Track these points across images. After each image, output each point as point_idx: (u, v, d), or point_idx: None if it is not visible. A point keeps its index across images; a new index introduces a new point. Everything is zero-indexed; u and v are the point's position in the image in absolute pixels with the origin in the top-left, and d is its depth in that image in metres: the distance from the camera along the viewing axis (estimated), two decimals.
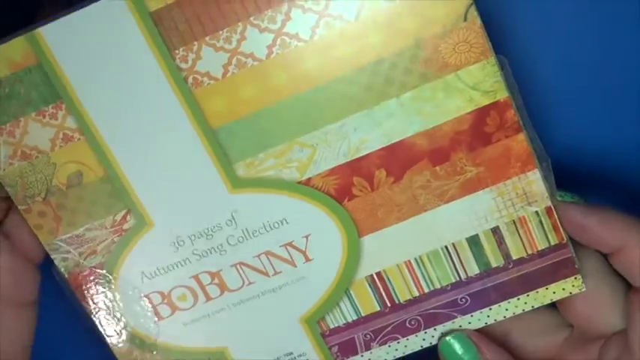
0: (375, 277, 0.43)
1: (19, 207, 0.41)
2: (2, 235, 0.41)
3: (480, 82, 0.39)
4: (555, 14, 0.45)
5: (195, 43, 0.38)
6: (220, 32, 0.38)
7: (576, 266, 0.42)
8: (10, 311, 0.41)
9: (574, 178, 0.47)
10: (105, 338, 0.44)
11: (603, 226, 0.40)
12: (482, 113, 0.39)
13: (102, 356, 0.45)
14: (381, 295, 0.43)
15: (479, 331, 0.44)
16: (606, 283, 0.42)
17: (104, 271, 0.42)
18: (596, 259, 0.42)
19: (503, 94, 0.39)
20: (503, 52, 0.39)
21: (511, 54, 0.40)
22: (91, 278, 0.42)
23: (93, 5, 0.37)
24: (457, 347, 0.43)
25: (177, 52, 0.38)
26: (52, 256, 0.42)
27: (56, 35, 0.38)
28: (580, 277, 0.42)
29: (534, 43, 0.45)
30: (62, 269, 0.42)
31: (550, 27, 0.45)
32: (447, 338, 0.43)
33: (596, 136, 0.47)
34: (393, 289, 0.43)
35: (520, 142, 0.40)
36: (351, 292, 0.43)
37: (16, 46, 0.38)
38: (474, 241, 0.42)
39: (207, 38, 0.38)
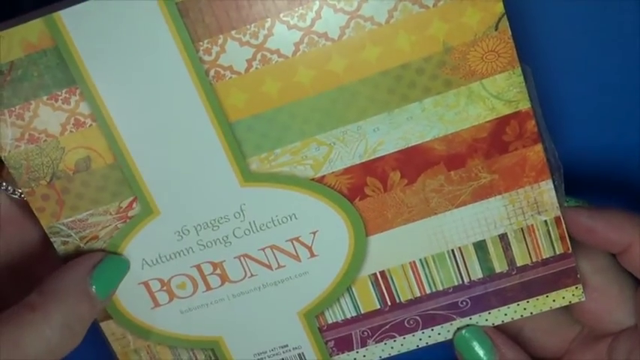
0: (378, 275, 0.42)
1: (23, 190, 0.40)
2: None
3: (503, 92, 0.38)
4: (573, 22, 0.45)
5: (221, 36, 0.37)
6: (247, 27, 0.37)
7: (578, 276, 0.42)
8: None
9: (583, 183, 0.48)
10: (98, 322, 0.43)
11: (610, 226, 0.41)
12: (502, 122, 0.39)
13: (95, 341, 0.44)
14: (383, 293, 0.43)
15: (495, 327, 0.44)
16: (615, 281, 0.43)
17: None
18: (604, 258, 0.43)
19: (525, 105, 0.39)
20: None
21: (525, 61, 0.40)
22: None
23: None
24: (473, 341, 0.43)
25: (201, 44, 0.37)
26: (52, 239, 0.41)
27: (76, 19, 0.37)
28: (581, 286, 0.42)
29: (549, 51, 0.45)
30: (62, 252, 0.41)
31: (566, 35, 0.45)
32: (463, 332, 0.43)
33: (608, 142, 0.47)
34: (395, 289, 0.43)
35: (537, 152, 0.40)
36: (353, 289, 0.43)
37: (34, 28, 0.37)
38: (480, 246, 0.42)
39: (233, 32, 0.37)
